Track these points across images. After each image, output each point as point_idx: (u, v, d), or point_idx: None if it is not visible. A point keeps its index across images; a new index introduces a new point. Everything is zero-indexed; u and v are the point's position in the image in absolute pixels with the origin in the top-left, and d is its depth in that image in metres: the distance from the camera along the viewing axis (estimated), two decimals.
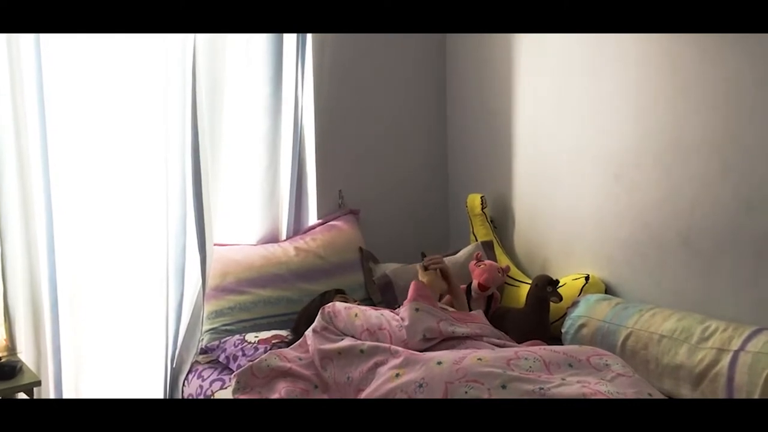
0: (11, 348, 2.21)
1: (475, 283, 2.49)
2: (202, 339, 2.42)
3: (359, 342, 1.94)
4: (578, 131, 2.54)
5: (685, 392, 1.94)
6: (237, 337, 2.35)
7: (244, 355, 2.25)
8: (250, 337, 2.33)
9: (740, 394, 1.82)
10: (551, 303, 2.37)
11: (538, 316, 2.37)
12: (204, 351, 2.41)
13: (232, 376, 2.03)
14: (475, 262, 2.56)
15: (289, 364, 2.01)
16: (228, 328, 2.44)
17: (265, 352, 2.20)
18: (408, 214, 3.10)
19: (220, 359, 2.34)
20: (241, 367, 2.21)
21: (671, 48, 2.20)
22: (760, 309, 2.01)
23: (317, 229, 2.82)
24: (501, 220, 2.91)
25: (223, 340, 2.37)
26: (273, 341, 2.28)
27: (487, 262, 2.56)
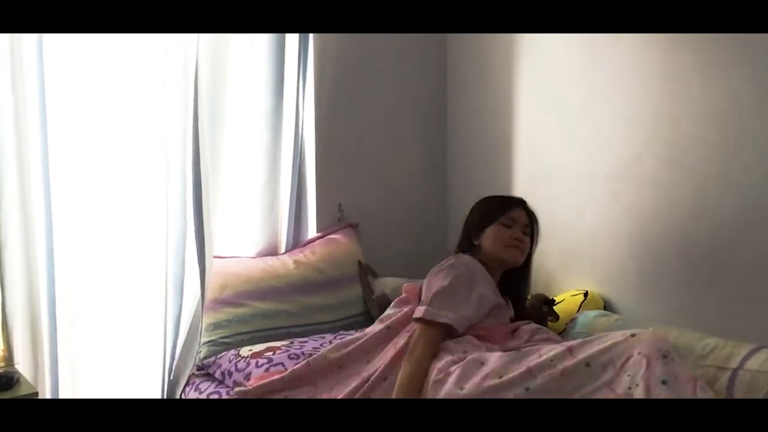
0: (8, 359, 2.20)
1: None
2: (200, 351, 2.42)
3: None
4: (577, 145, 2.55)
5: None
6: (232, 352, 2.35)
7: (237, 370, 2.25)
8: (245, 351, 2.33)
9: None
10: (548, 322, 2.37)
11: None
12: (201, 368, 2.41)
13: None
14: None
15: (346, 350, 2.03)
16: (226, 340, 2.44)
17: (258, 366, 2.20)
18: (407, 227, 3.11)
19: (216, 375, 2.33)
20: (236, 383, 2.21)
21: (670, 62, 2.21)
22: (759, 326, 2.01)
23: (316, 242, 2.82)
24: None
25: (219, 356, 2.37)
26: (266, 353, 2.27)
27: None
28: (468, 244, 2.20)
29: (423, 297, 2.02)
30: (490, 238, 2.13)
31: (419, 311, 1.97)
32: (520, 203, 2.23)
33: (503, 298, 2.16)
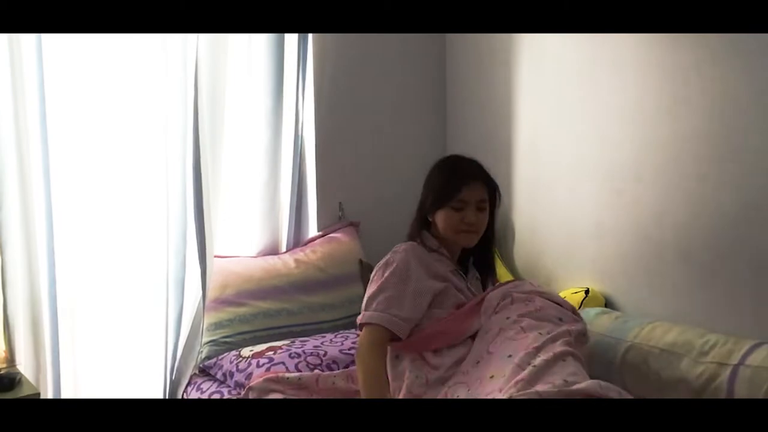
0: (10, 360, 2.21)
1: None
2: (202, 351, 2.42)
3: None
4: (577, 144, 2.55)
5: None
6: (233, 353, 2.35)
7: (238, 370, 2.25)
8: (246, 351, 2.33)
9: None
10: None
11: None
12: (202, 370, 2.41)
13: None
14: None
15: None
16: (227, 340, 2.44)
17: (258, 366, 2.21)
18: (408, 226, 3.10)
19: (217, 376, 2.34)
20: (237, 383, 2.22)
21: (669, 60, 2.20)
22: (760, 322, 2.01)
23: (317, 241, 2.82)
24: (501, 233, 2.90)
25: (220, 357, 2.37)
26: (267, 353, 2.28)
27: None
28: (423, 221, 2.13)
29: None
30: (441, 221, 2.06)
31: (359, 318, 1.98)
32: (473, 176, 2.07)
33: (467, 273, 2.14)
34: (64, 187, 2.31)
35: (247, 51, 2.61)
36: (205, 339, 2.44)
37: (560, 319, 1.89)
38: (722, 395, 1.85)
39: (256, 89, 2.64)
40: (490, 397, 1.68)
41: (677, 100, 2.19)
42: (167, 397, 2.43)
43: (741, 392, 1.81)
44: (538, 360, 1.71)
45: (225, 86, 2.52)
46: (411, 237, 2.13)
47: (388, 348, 1.96)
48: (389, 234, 3.05)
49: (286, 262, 2.67)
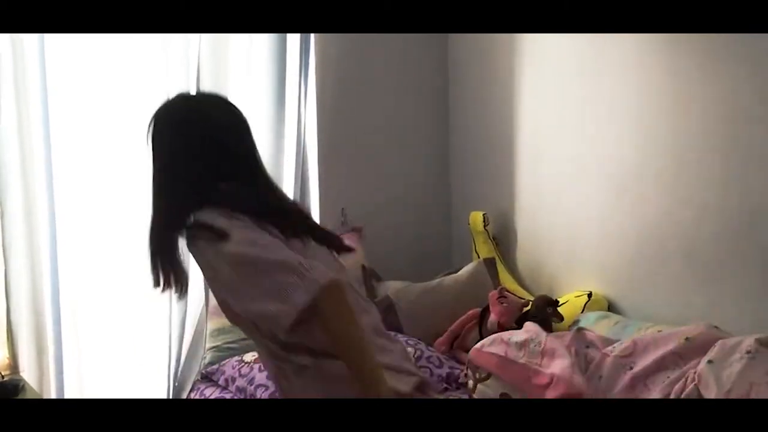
0: (14, 366, 2.21)
1: (493, 317, 2.36)
2: (205, 357, 2.42)
3: None
4: (580, 145, 2.54)
5: None
6: (236, 358, 2.35)
7: (241, 375, 2.25)
8: (248, 357, 2.33)
9: None
10: (552, 323, 2.36)
11: None
12: (205, 376, 2.41)
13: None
14: (497, 295, 2.40)
15: None
16: (230, 345, 2.44)
17: (260, 371, 2.19)
18: (410, 231, 3.10)
19: (220, 382, 2.34)
20: (239, 388, 2.20)
21: (672, 60, 2.20)
22: (764, 323, 2.00)
23: None
24: (503, 237, 2.90)
25: (222, 363, 2.37)
26: None
27: (511, 299, 2.40)
28: None
29: None
30: None
31: None
32: None
33: None
34: (67, 193, 2.31)
35: (249, 52, 2.60)
36: (209, 345, 2.44)
37: None
38: None
39: (258, 93, 2.64)
40: None
41: (680, 101, 2.19)
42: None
43: None
44: None
45: (227, 90, 2.52)
46: None
47: None
48: (392, 239, 3.07)
49: None
